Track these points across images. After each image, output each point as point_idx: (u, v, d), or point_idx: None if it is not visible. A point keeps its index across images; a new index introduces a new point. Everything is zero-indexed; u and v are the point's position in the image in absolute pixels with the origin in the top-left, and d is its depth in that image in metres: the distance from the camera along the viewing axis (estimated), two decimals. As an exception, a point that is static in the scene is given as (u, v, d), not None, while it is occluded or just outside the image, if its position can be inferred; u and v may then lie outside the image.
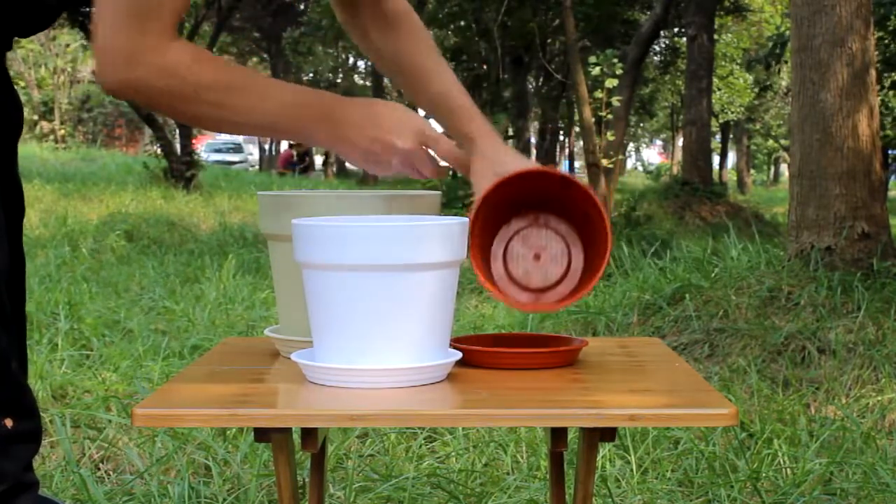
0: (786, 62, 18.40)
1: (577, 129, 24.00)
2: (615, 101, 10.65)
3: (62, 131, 27.18)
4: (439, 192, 1.56)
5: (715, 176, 21.39)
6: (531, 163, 1.52)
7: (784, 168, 41.96)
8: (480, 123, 1.55)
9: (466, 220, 1.35)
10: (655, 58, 22.43)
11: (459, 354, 1.35)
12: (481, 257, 1.43)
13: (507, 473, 2.93)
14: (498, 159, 1.51)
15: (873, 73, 5.41)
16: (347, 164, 35.56)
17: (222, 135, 48.87)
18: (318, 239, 1.27)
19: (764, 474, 2.91)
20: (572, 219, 1.48)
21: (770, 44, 19.27)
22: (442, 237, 1.28)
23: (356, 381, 1.27)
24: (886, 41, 13.14)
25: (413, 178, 1.44)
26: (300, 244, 1.30)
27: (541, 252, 1.48)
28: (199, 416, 1.18)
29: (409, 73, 1.61)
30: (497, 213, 1.45)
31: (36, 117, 27.82)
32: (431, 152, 1.40)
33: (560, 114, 25.33)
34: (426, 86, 1.59)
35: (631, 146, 45.69)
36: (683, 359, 1.60)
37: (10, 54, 1.37)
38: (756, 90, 25.83)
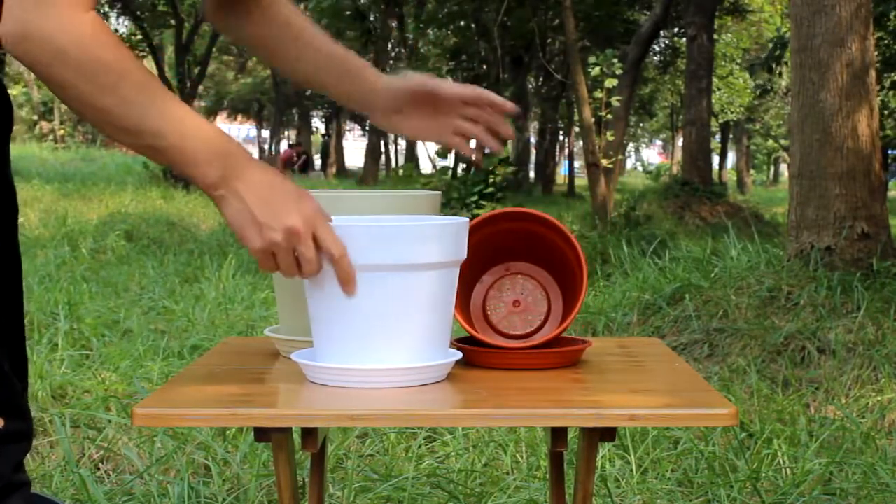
0: (786, 63, 18.40)
1: (577, 129, 23.98)
2: (615, 101, 10.65)
3: (62, 131, 27.18)
4: (439, 192, 1.56)
5: (715, 176, 21.39)
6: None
7: (784, 168, 41.97)
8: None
9: (466, 220, 1.35)
10: (655, 58, 22.43)
11: (459, 354, 1.35)
12: (464, 318, 1.44)
13: (507, 473, 2.93)
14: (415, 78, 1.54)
15: (873, 73, 5.41)
16: (347, 164, 35.48)
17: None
18: None
19: (764, 474, 2.91)
20: (539, 254, 1.50)
21: (770, 45, 19.27)
22: (441, 237, 1.28)
23: (356, 381, 1.27)
24: (886, 41, 13.13)
25: (268, 269, 1.25)
26: None
27: (519, 299, 1.50)
28: (199, 416, 1.18)
29: (300, 39, 1.56)
30: (468, 271, 1.47)
31: (36, 117, 27.82)
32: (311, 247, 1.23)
33: (560, 114, 25.35)
34: (318, 48, 1.56)
35: (631, 146, 45.69)
36: (683, 359, 1.60)
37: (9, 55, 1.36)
38: (757, 93, 25.83)
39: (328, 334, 1.29)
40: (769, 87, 24.73)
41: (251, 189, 1.20)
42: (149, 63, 16.58)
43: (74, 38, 1.13)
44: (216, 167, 1.19)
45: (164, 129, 1.17)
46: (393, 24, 18.51)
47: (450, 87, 1.51)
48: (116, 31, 15.19)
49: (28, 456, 2.93)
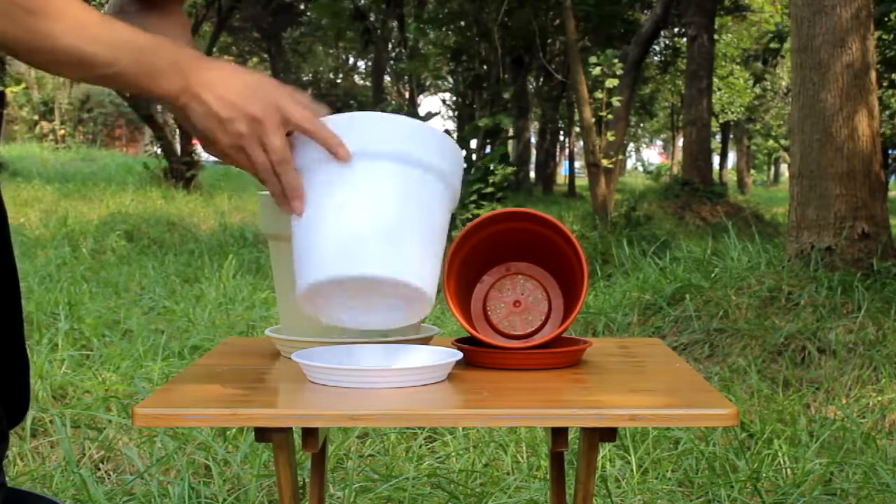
0: (783, 57, 18.39)
1: (577, 129, 23.99)
2: (615, 101, 10.66)
3: (62, 131, 27.18)
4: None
5: (715, 176, 21.40)
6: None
7: (784, 168, 41.96)
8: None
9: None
10: (655, 58, 22.43)
11: (460, 354, 1.35)
12: (464, 318, 1.44)
13: (507, 473, 2.93)
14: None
15: (873, 73, 5.41)
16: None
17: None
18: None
19: (764, 474, 2.91)
20: (540, 254, 1.50)
21: (768, 38, 19.27)
22: (443, 150, 1.28)
23: (356, 381, 1.27)
24: (887, 41, 13.14)
25: (243, 167, 1.25)
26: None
27: (519, 299, 1.50)
28: (199, 416, 1.18)
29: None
30: (468, 271, 1.47)
31: (36, 117, 27.82)
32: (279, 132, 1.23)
33: (560, 114, 25.36)
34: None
35: (631, 146, 45.70)
36: (683, 359, 1.60)
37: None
38: (753, 86, 25.84)
39: (319, 240, 1.25)
40: (765, 80, 24.74)
41: (210, 89, 1.20)
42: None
43: None
44: (172, 79, 1.19)
45: (119, 59, 1.15)
46: (393, 24, 18.50)
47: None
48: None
49: (29, 456, 2.93)
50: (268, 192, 1.41)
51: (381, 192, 1.24)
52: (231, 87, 1.20)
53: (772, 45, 15.60)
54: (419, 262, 1.25)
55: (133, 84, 1.18)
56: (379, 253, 1.23)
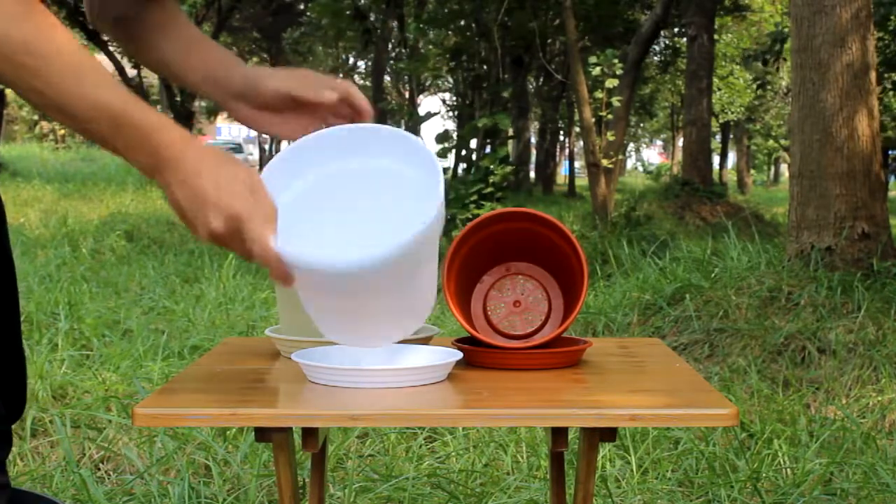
0: (784, 59, 18.39)
1: (577, 129, 23.99)
2: (615, 101, 10.66)
3: (62, 131, 27.18)
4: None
5: (715, 176, 21.40)
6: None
7: (784, 168, 41.96)
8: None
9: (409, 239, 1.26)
10: (655, 58, 22.43)
11: (460, 354, 1.35)
12: (464, 318, 1.44)
13: (507, 473, 2.93)
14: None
15: (873, 73, 5.41)
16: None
17: (222, 135, 48.68)
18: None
19: (764, 474, 2.91)
20: (540, 254, 1.50)
21: (769, 41, 19.26)
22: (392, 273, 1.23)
23: (356, 381, 1.27)
24: (886, 41, 13.13)
25: (221, 245, 1.19)
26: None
27: (519, 299, 1.50)
28: (199, 416, 1.18)
29: (193, 48, 1.49)
30: (468, 271, 1.47)
31: (36, 117, 27.81)
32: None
33: (560, 114, 25.36)
34: (189, 33, 1.49)
35: (631, 146, 45.71)
36: (683, 359, 1.60)
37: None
38: (754, 87, 25.83)
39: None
40: (766, 81, 24.74)
41: (179, 186, 1.16)
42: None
43: (2, 12, 1.07)
44: (142, 156, 1.15)
45: (95, 116, 1.13)
46: (393, 24, 18.50)
47: (315, 93, 1.40)
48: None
49: (28, 456, 2.93)
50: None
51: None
52: (199, 186, 1.15)
53: (775, 49, 15.60)
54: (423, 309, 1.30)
55: (111, 148, 1.16)
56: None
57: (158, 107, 18.82)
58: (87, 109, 1.13)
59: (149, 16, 1.48)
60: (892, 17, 12.22)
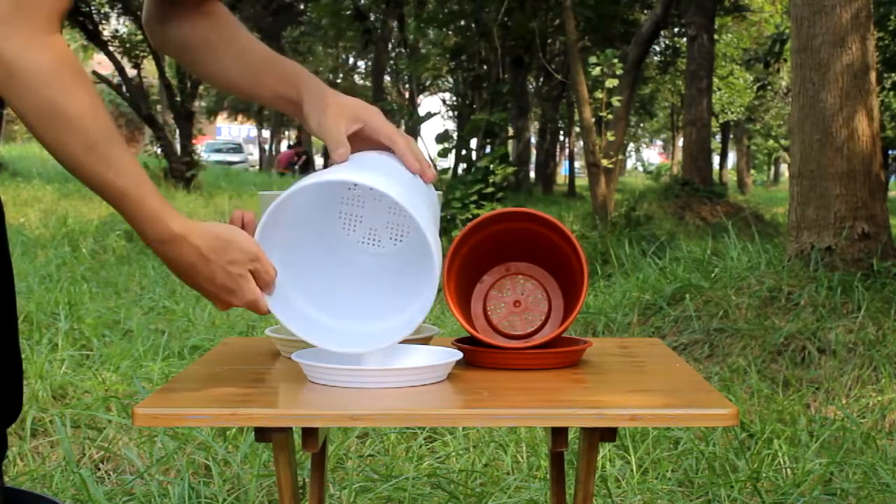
0: (785, 60, 18.39)
1: (577, 129, 23.98)
2: (615, 101, 10.65)
3: (62, 131, 27.10)
4: (440, 192, 1.56)
5: (715, 176, 21.39)
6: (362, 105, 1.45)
7: (784, 168, 41.95)
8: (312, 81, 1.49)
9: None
10: (655, 58, 22.42)
11: (460, 354, 1.35)
12: (464, 318, 1.44)
13: (507, 473, 2.93)
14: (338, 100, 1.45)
15: (873, 73, 5.41)
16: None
17: (222, 135, 48.62)
18: None
19: (764, 474, 2.91)
20: (540, 254, 1.50)
21: (769, 42, 19.26)
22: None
23: (356, 381, 1.27)
24: (886, 41, 13.13)
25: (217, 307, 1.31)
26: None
27: (519, 299, 1.50)
28: (199, 416, 1.18)
29: (234, 47, 1.50)
30: (468, 271, 1.47)
31: (36, 117, 27.72)
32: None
33: (560, 114, 25.34)
34: (251, 54, 1.50)
35: (631, 146, 45.69)
36: (683, 359, 1.60)
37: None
38: (755, 88, 25.82)
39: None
40: (767, 83, 24.72)
41: (173, 268, 1.25)
42: (149, 63, 16.56)
43: (32, 70, 1.11)
44: (146, 233, 1.23)
45: (94, 187, 1.19)
46: (393, 24, 18.49)
47: (379, 126, 1.43)
48: (106, 39, 15.07)
49: (28, 456, 2.93)
50: (268, 193, 1.43)
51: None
52: (196, 284, 1.26)
53: (775, 50, 15.58)
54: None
55: (123, 216, 1.23)
56: None
57: (159, 107, 18.81)
58: (87, 179, 1.19)
59: (208, 38, 1.49)
60: (892, 17, 12.21)
